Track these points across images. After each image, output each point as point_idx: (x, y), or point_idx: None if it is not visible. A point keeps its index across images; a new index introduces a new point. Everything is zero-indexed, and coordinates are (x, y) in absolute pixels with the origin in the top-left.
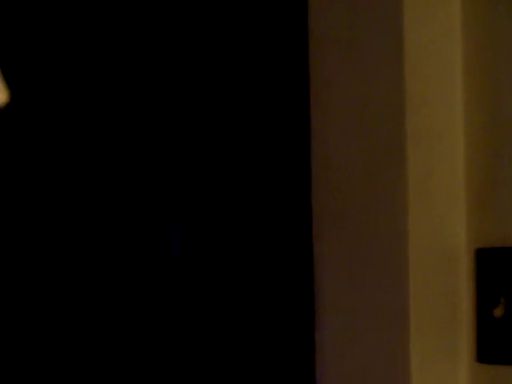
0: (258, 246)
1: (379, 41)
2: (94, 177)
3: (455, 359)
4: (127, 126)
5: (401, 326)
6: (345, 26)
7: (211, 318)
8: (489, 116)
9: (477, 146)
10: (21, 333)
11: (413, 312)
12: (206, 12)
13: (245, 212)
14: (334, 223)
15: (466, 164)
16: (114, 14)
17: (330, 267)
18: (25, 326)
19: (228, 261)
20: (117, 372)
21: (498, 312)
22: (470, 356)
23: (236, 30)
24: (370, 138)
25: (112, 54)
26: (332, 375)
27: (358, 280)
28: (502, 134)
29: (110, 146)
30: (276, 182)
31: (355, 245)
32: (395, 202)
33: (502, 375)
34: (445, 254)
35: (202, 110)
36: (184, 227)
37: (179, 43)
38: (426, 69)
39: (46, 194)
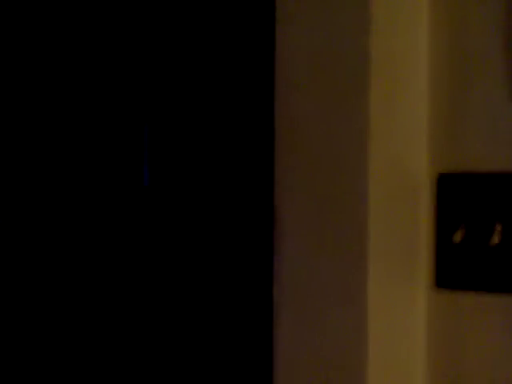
0: (224, 179)
1: None
2: (64, 101)
3: (414, 284)
4: (97, 49)
5: (358, 252)
6: None
7: (178, 250)
8: (454, 37)
9: (441, 67)
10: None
11: (371, 237)
12: None
13: (213, 143)
14: (293, 147)
15: (430, 85)
16: None
17: (287, 189)
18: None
19: (196, 192)
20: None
21: (458, 237)
22: (428, 281)
23: None
24: (333, 59)
25: None
26: (288, 299)
27: (317, 204)
28: (468, 54)
29: (79, 68)
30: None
31: (314, 168)
32: (356, 125)
33: (460, 300)
34: (406, 179)
35: (173, 38)
36: (154, 155)
37: None
38: None
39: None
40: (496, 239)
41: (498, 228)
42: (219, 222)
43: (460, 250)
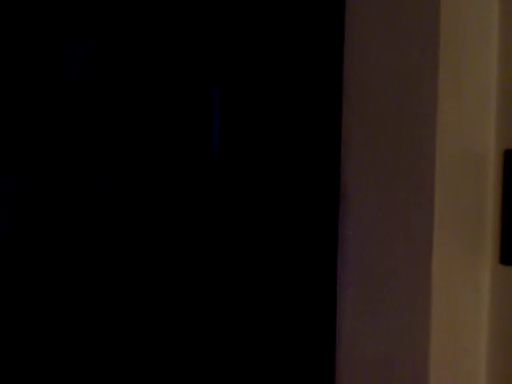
0: (292, 151)
1: None
2: (129, 70)
3: (479, 261)
4: (166, 8)
5: (425, 229)
6: None
7: (246, 224)
8: None
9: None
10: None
11: (438, 213)
12: None
13: (283, 116)
14: (362, 125)
15: (499, 62)
16: None
17: (354, 169)
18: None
19: (265, 166)
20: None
21: None
22: (494, 258)
23: None
24: (402, 40)
25: None
26: (353, 279)
27: (385, 183)
28: None
29: (146, 35)
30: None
31: (382, 148)
32: (424, 102)
33: None
34: (473, 155)
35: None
36: (225, 124)
37: None
38: None
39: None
40: None
41: None
42: (287, 198)
43: None
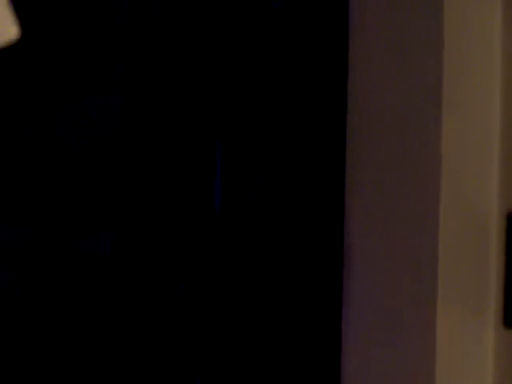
0: (301, 202)
1: None
2: (132, 129)
3: (482, 322)
4: (167, 75)
5: (428, 284)
6: None
7: (252, 277)
8: None
9: None
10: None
11: (441, 273)
12: None
13: (288, 165)
14: (366, 182)
15: (502, 121)
16: None
17: (358, 209)
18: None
19: (270, 219)
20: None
21: None
22: (497, 320)
23: None
24: (406, 78)
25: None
26: (357, 317)
27: (387, 237)
28: None
29: (148, 95)
30: (313, 124)
31: (387, 199)
32: (429, 159)
33: None
34: (476, 217)
35: (242, 60)
36: (226, 181)
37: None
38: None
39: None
40: None
41: None
42: (290, 247)
43: None
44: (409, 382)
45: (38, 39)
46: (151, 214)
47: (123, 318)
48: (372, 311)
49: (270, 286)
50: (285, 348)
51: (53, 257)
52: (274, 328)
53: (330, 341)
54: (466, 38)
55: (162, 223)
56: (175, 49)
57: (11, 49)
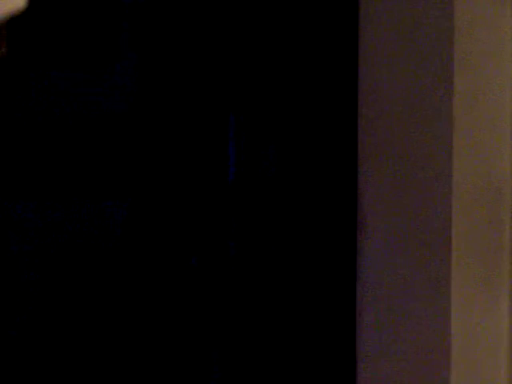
0: (308, 176)
1: None
2: (148, 98)
3: (496, 291)
4: (182, 47)
5: (443, 257)
6: None
7: (265, 245)
8: None
9: None
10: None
11: (455, 243)
12: None
13: (299, 138)
14: (379, 153)
15: None
16: None
17: (371, 188)
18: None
19: (281, 188)
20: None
21: None
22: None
23: None
24: (417, 65)
25: None
26: (371, 297)
27: (400, 212)
28: None
29: (163, 66)
30: (324, 104)
31: (399, 176)
32: (440, 134)
33: None
34: (489, 186)
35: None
36: (240, 149)
37: None
38: None
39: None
40: None
41: None
42: (303, 219)
43: None
44: (425, 357)
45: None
46: (165, 184)
47: (135, 288)
48: (386, 289)
49: (282, 259)
50: (296, 326)
51: (67, 226)
52: (285, 304)
53: (345, 319)
54: (476, 25)
55: (175, 193)
56: (191, 22)
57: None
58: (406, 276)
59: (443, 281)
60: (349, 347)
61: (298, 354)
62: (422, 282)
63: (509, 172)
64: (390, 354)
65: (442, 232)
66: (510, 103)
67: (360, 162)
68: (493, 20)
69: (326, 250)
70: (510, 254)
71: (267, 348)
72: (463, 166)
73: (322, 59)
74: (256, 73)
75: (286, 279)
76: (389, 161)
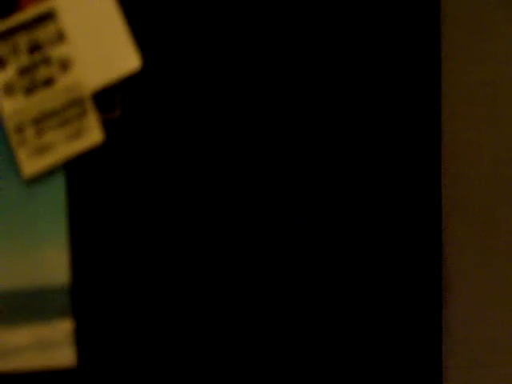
0: (385, 232)
1: None
2: (223, 169)
3: None
4: (255, 118)
5: None
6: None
7: (338, 300)
8: None
9: None
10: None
11: None
12: None
13: (371, 202)
14: (464, 209)
15: None
16: None
17: (456, 245)
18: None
19: (353, 244)
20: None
21: None
22: None
23: None
24: (501, 128)
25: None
26: (458, 353)
27: (486, 260)
28: None
29: (238, 138)
30: (405, 172)
31: (483, 222)
32: None
33: None
34: None
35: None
36: (310, 216)
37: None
38: None
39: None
40: None
41: None
42: (379, 277)
43: None
44: None
45: None
46: (250, 245)
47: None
48: (473, 337)
49: (362, 318)
50: None
51: None
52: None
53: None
54: None
55: (260, 250)
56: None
57: None
58: (494, 335)
59: None
60: None
61: None
62: (509, 341)
63: None
64: None
65: None
66: None
67: (445, 219)
68: None
69: (409, 311)
70: None
71: None
72: None
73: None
74: (324, 154)
75: (362, 338)
76: (474, 219)
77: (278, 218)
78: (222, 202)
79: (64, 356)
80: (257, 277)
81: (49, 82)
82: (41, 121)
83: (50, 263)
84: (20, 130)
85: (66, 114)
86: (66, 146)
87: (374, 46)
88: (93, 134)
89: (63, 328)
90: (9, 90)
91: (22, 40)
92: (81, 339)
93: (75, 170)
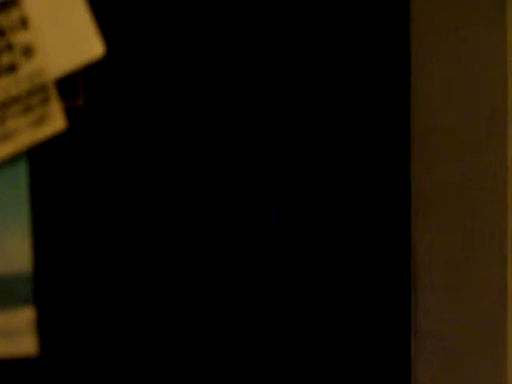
0: (354, 221)
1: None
2: (189, 156)
3: None
4: (226, 104)
5: (499, 299)
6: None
7: (307, 291)
8: None
9: None
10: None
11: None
12: None
13: (341, 189)
14: (433, 205)
15: None
16: None
17: (425, 232)
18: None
19: (324, 235)
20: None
21: None
22: None
23: None
24: (472, 109)
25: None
26: (425, 348)
27: (455, 266)
28: None
29: (204, 125)
30: (375, 156)
31: (451, 217)
32: (494, 170)
33: None
34: None
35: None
36: (281, 201)
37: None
38: None
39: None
40: None
41: None
42: (347, 269)
43: None
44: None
45: None
46: (213, 232)
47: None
48: (441, 342)
49: (329, 309)
50: None
51: None
52: (340, 361)
53: (400, 374)
54: None
55: (223, 239)
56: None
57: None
58: (461, 330)
59: (499, 336)
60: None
61: None
62: (477, 335)
63: None
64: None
65: (498, 279)
66: None
67: (413, 214)
68: None
69: (378, 305)
70: None
71: None
72: None
73: (370, 119)
74: (296, 138)
75: (333, 330)
76: (444, 214)
77: (247, 207)
78: (190, 189)
79: (26, 344)
80: (226, 267)
81: (11, 69)
82: (3, 107)
83: (13, 251)
84: None
85: (29, 100)
86: (28, 133)
87: (349, 43)
88: (56, 121)
89: (25, 316)
90: None
91: None
92: (43, 327)
93: (38, 157)
